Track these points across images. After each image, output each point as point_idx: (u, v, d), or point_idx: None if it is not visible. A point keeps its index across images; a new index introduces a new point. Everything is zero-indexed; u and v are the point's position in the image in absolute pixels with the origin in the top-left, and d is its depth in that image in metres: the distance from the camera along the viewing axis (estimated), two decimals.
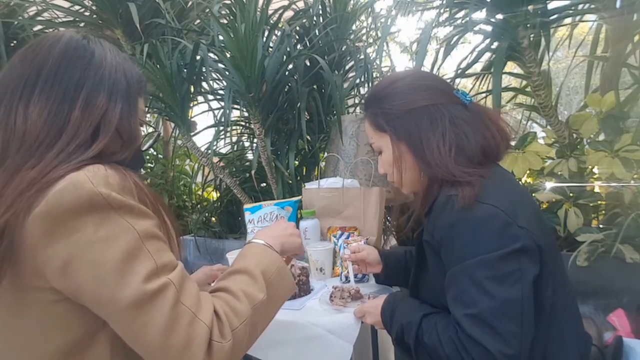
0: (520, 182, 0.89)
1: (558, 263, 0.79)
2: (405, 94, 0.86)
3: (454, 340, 0.70)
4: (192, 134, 1.98)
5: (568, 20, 1.56)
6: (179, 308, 0.57)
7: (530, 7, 1.31)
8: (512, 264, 0.68)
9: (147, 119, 0.78)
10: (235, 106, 2.05)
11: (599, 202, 1.37)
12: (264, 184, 1.99)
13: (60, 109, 0.62)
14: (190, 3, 2.10)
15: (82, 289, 0.56)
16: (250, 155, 2.27)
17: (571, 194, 1.36)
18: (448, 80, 1.72)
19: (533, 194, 1.43)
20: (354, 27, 2.09)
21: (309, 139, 1.95)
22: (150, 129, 0.89)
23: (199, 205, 2.52)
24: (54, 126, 0.61)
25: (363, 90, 2.10)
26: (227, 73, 1.81)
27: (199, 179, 2.41)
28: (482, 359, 0.67)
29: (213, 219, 2.28)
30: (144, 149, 0.78)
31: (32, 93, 0.62)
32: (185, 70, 1.80)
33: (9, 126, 0.61)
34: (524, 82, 1.58)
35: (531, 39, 1.37)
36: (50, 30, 2.12)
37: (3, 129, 0.61)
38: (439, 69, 1.63)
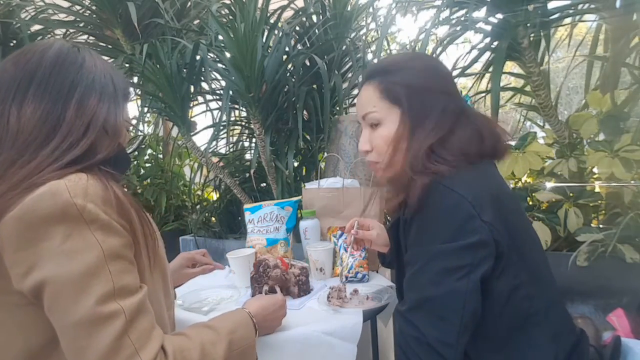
0: (505, 183, 0.86)
1: (536, 268, 0.78)
2: (424, 72, 0.82)
3: (398, 318, 0.74)
4: (192, 133, 1.98)
5: (568, 20, 1.56)
6: (123, 340, 0.57)
7: (530, 7, 1.31)
8: (465, 258, 0.69)
9: (131, 123, 0.81)
10: (235, 106, 2.05)
11: (599, 202, 1.37)
12: (264, 184, 1.99)
13: (53, 108, 0.65)
14: (189, 3, 2.10)
15: (40, 295, 0.57)
16: (250, 155, 2.27)
17: (571, 194, 1.36)
18: None
19: (533, 194, 1.43)
20: (353, 27, 2.08)
21: (308, 138, 1.95)
22: (137, 133, 0.92)
23: (198, 205, 2.52)
24: (47, 124, 0.64)
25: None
26: (226, 73, 1.81)
27: (199, 178, 2.41)
28: (415, 342, 0.69)
29: (213, 219, 2.28)
30: (129, 151, 0.80)
31: (26, 94, 0.65)
32: (185, 70, 1.80)
33: (1, 125, 0.63)
34: (523, 82, 1.58)
35: (531, 38, 1.37)
36: (50, 30, 2.12)
37: None
38: None
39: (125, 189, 0.68)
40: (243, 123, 2.21)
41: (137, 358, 0.57)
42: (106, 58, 2.17)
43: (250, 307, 0.83)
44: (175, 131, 2.23)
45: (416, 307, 0.72)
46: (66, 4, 2.03)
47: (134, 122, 2.53)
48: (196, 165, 2.34)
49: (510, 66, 1.66)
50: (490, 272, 0.71)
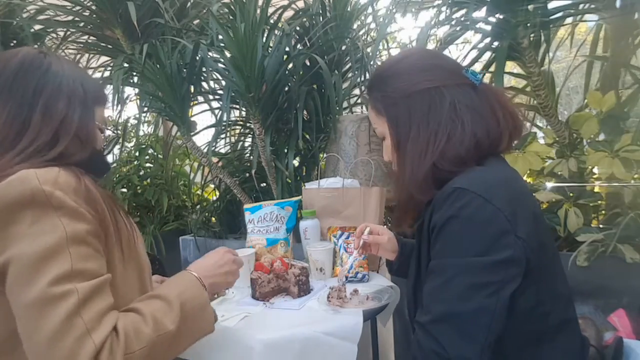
0: (521, 179, 0.83)
1: (554, 283, 0.76)
2: (407, 74, 0.81)
3: (417, 329, 0.71)
4: (192, 133, 1.98)
5: (568, 20, 1.56)
6: (74, 320, 0.56)
7: (530, 7, 1.31)
8: (496, 274, 0.67)
9: (106, 128, 0.83)
10: (235, 106, 2.05)
11: (599, 202, 1.37)
12: (264, 184, 1.99)
13: (18, 112, 0.67)
14: (189, 3, 2.10)
15: (5, 277, 0.58)
16: (250, 155, 2.27)
17: (571, 194, 1.36)
18: None
19: (533, 194, 1.43)
20: (354, 27, 2.08)
21: (308, 138, 1.95)
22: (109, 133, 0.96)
23: (198, 205, 2.52)
24: (12, 128, 0.66)
25: (361, 90, 2.09)
26: (227, 73, 1.81)
27: (199, 178, 2.41)
28: (435, 357, 0.66)
29: (213, 219, 2.28)
30: (105, 153, 0.82)
31: None
32: (185, 70, 1.80)
33: None
34: (522, 82, 1.58)
35: (531, 38, 1.37)
36: (50, 29, 2.12)
37: None
38: None
39: (111, 191, 0.70)
40: (243, 123, 2.21)
41: (88, 339, 0.56)
42: (106, 58, 2.18)
43: (192, 267, 0.84)
44: (174, 130, 2.23)
45: (440, 320, 0.68)
46: (66, 4, 2.02)
47: (134, 122, 2.53)
48: (196, 165, 2.34)
49: (510, 66, 1.66)
50: (516, 289, 0.69)
